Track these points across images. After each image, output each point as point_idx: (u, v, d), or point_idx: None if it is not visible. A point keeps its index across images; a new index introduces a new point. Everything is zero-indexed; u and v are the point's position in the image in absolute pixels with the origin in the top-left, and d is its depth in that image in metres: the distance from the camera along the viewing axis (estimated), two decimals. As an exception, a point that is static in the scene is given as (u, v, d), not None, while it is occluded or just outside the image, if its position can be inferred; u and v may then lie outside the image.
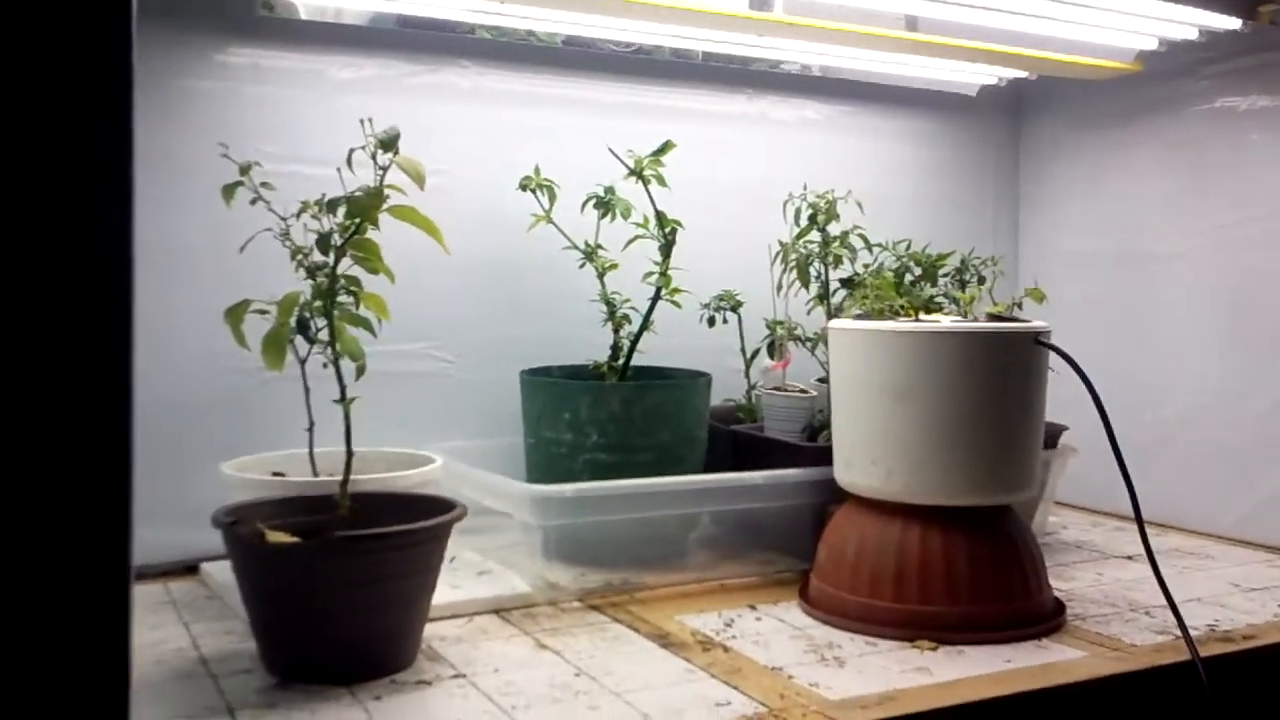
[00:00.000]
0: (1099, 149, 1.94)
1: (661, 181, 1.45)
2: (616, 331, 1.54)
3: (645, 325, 1.50)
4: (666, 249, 1.46)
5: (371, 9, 1.59)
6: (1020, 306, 1.34)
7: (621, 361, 1.52)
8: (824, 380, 1.64)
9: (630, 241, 1.49)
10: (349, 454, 1.14)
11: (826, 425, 1.50)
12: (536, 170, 1.55)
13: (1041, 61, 1.74)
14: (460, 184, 1.63)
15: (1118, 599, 1.37)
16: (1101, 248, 1.93)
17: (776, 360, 1.61)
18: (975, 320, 1.30)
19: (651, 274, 1.47)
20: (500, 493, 1.35)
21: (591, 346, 1.57)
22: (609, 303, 1.54)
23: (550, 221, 1.54)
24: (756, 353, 1.70)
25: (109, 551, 0.66)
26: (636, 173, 1.43)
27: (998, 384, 1.23)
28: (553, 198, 1.55)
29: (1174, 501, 1.73)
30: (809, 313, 1.66)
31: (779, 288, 1.65)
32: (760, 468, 1.44)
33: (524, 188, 1.55)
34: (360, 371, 1.16)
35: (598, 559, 1.41)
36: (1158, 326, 1.83)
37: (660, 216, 1.45)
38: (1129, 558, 1.58)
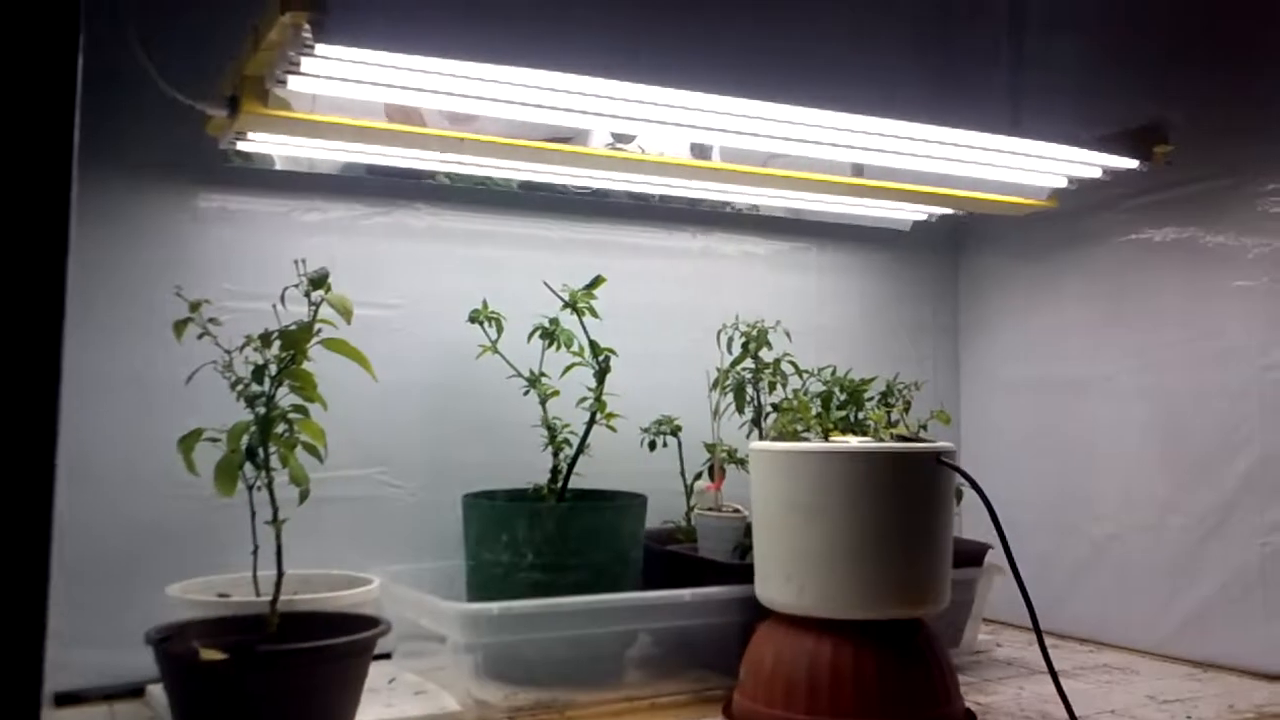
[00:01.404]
0: (1030, 280, 2.05)
1: (593, 313, 1.54)
2: (556, 455, 1.62)
3: (581, 448, 1.57)
4: (600, 376, 1.55)
5: (344, 159, 1.70)
6: (925, 429, 1.42)
7: (560, 484, 1.59)
8: None
9: (567, 370, 1.58)
10: (279, 574, 1.20)
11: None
12: (484, 304, 1.64)
13: (966, 200, 1.86)
14: (414, 317, 1.74)
15: (1032, 712, 1.41)
16: (1033, 373, 2.02)
17: (711, 481, 1.68)
18: (885, 442, 1.37)
19: (586, 399, 1.55)
20: (432, 612, 1.41)
21: (534, 470, 1.64)
22: (550, 428, 1.62)
23: (496, 351, 1.63)
24: (699, 476, 1.77)
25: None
26: (570, 305, 1.53)
27: (902, 501, 1.30)
28: (499, 329, 1.64)
29: (1105, 619, 1.78)
30: (747, 436, 1.73)
31: (715, 412, 1.73)
32: (692, 586, 1.50)
33: (474, 320, 1.64)
34: (304, 496, 1.23)
35: (529, 677, 1.46)
36: (1087, 448, 1.90)
37: (594, 345, 1.54)
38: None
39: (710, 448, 1.73)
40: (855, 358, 1.88)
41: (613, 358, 1.59)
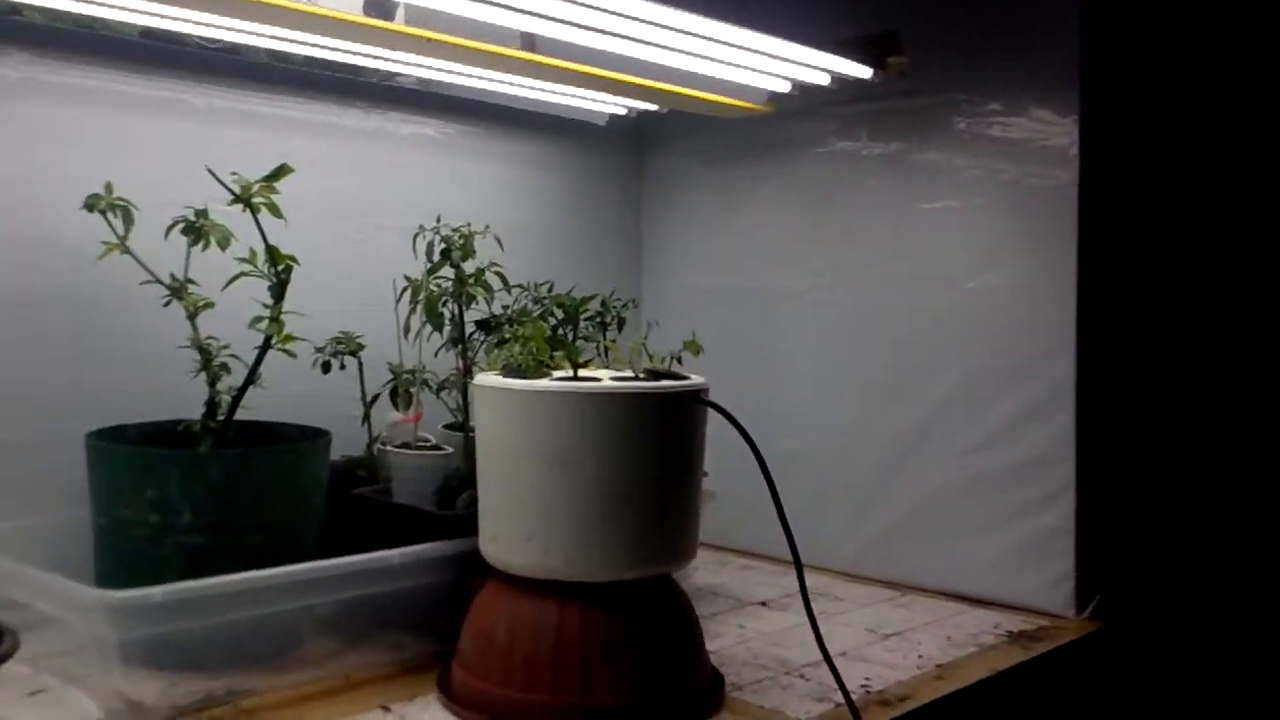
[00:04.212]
0: (720, 184, 1.94)
1: (275, 212, 1.22)
2: (213, 385, 1.29)
3: (251, 379, 1.26)
4: (279, 290, 1.24)
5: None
6: (680, 361, 1.26)
7: (221, 419, 1.27)
8: (456, 429, 1.48)
9: (233, 280, 1.24)
10: None
11: (464, 487, 1.35)
12: (108, 188, 1.26)
13: (671, 95, 1.68)
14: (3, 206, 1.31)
15: (768, 660, 1.32)
16: (724, 284, 1.92)
17: (407, 413, 1.43)
18: (631, 376, 1.19)
19: (261, 319, 1.24)
20: (63, 600, 1.07)
21: (180, 401, 1.29)
22: (203, 350, 1.28)
23: (126, 250, 1.26)
24: (376, 398, 1.51)
25: None
26: (244, 200, 1.20)
27: (663, 447, 1.14)
28: (129, 221, 1.27)
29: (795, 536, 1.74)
30: (436, 355, 1.49)
31: (406, 330, 1.47)
32: (387, 537, 1.25)
33: (91, 208, 1.26)
34: None
35: (192, 663, 1.16)
36: (781, 364, 1.84)
37: (272, 252, 1.22)
38: (763, 604, 1.56)
39: (397, 372, 1.48)
40: (540, 262, 1.69)
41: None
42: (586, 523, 1.10)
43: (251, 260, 1.23)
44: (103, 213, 1.26)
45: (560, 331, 1.43)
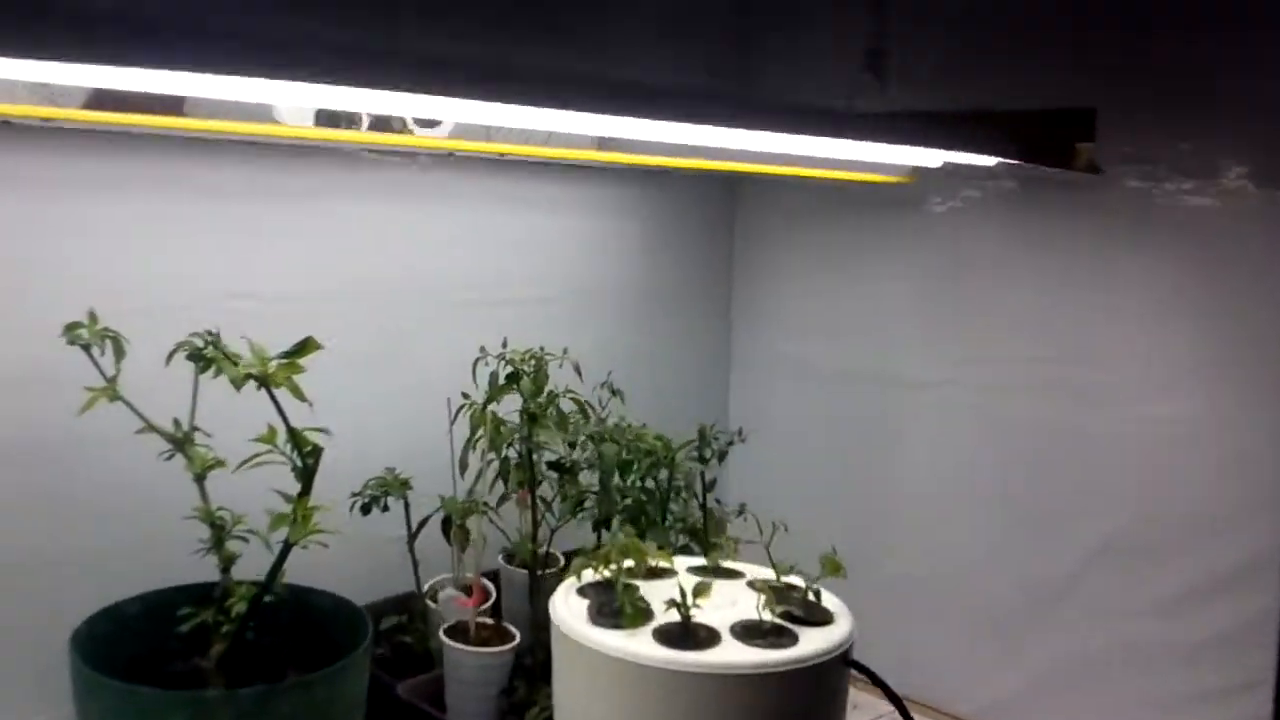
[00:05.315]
0: (829, 244, 1.61)
1: (298, 394, 0.94)
2: (226, 570, 1.03)
3: (269, 586, 0.99)
4: (306, 479, 0.97)
5: None
6: (819, 595, 0.96)
7: (236, 620, 1.01)
8: (516, 564, 1.24)
9: (249, 462, 0.97)
10: None
11: (533, 691, 1.10)
12: (92, 316, 1.00)
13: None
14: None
15: None
16: (830, 360, 1.62)
17: (466, 594, 1.17)
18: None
19: (285, 518, 0.97)
20: None
21: (186, 562, 1.04)
22: (214, 524, 1.03)
23: (118, 397, 1.00)
24: (423, 525, 1.25)
25: None
26: (261, 380, 0.92)
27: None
28: (120, 354, 1.01)
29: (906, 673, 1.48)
30: (499, 503, 1.23)
31: (463, 467, 1.20)
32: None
33: (74, 342, 0.99)
34: None
35: None
36: (898, 465, 1.55)
37: (295, 436, 0.95)
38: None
39: (450, 509, 1.20)
40: (615, 324, 1.55)
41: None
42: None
43: (270, 440, 0.96)
44: (85, 348, 1.00)
45: (648, 511, 1.15)
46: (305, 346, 0.92)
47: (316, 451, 0.96)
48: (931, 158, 1.25)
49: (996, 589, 1.45)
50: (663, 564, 1.01)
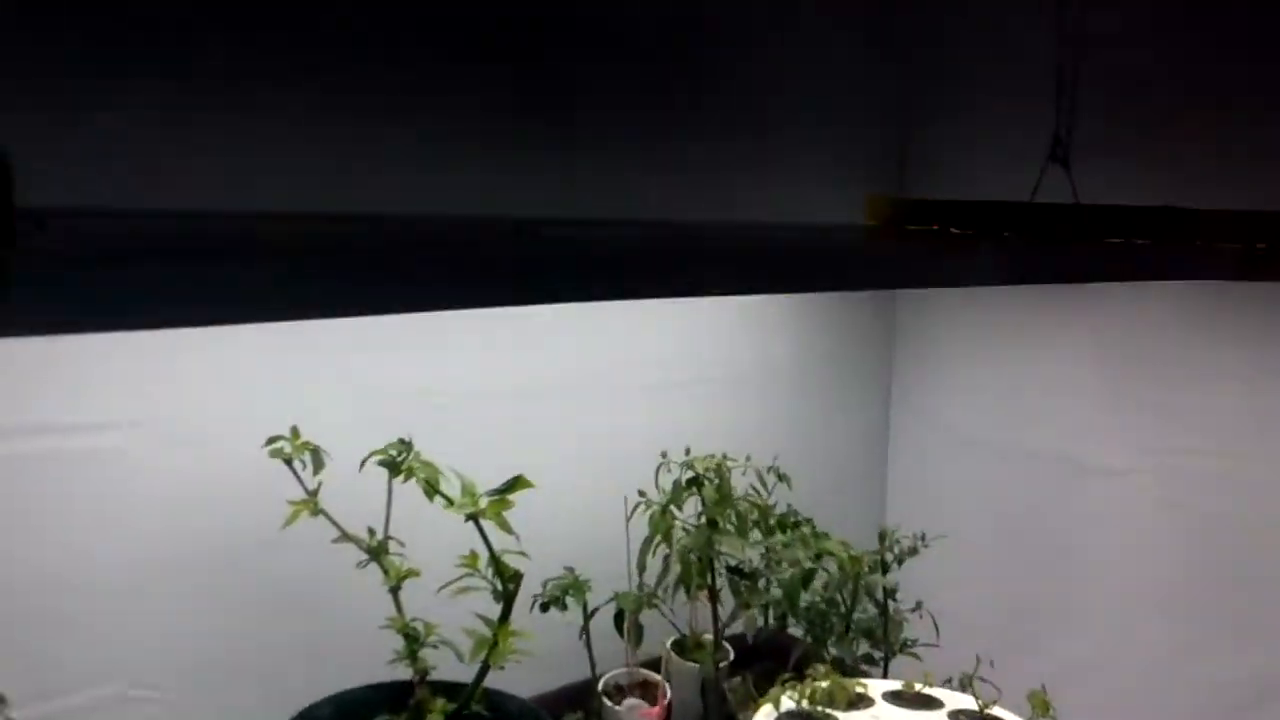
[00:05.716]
0: (1000, 318, 1.57)
1: (505, 528, 0.94)
2: (421, 680, 1.04)
3: (466, 706, 1.00)
4: (507, 603, 0.97)
5: None
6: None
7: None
8: (686, 656, 1.23)
9: (451, 585, 0.98)
10: None
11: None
12: (295, 431, 1.02)
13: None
14: (155, 446, 1.07)
15: None
16: (1000, 441, 1.57)
17: (643, 699, 1.16)
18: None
19: (486, 642, 0.97)
20: None
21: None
22: (408, 635, 1.04)
23: (319, 511, 1.02)
24: (594, 613, 1.24)
25: None
26: (473, 517, 0.93)
27: None
28: (319, 466, 1.03)
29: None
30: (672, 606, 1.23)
31: (641, 567, 1.19)
32: None
33: (276, 455, 1.01)
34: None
35: None
36: (1076, 560, 1.48)
37: (499, 564, 0.95)
38: None
39: (624, 604, 1.19)
40: (762, 398, 1.51)
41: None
42: None
43: (472, 564, 0.97)
44: (287, 461, 1.02)
45: (832, 622, 1.13)
46: (515, 484, 0.91)
47: (517, 578, 0.96)
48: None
49: (1187, 704, 1.38)
50: (858, 689, 0.99)
